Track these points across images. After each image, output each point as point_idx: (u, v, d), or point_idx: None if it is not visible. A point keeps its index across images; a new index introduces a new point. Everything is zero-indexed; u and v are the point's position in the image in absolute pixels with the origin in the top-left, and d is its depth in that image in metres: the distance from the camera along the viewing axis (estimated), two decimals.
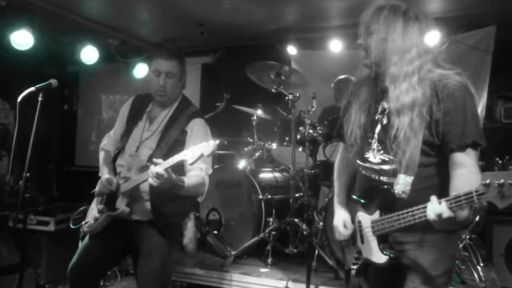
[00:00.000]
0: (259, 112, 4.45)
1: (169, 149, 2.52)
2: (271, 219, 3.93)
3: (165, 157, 2.37)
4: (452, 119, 1.68)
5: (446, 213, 1.49)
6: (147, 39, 6.25)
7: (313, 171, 4.13)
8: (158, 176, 2.24)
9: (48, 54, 5.63)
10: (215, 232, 4.10)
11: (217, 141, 2.22)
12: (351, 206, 2.03)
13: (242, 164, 4.38)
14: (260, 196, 3.96)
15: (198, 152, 2.15)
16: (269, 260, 3.72)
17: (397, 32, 1.77)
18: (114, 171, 2.68)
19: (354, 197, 2.00)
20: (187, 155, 2.20)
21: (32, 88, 2.61)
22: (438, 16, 4.89)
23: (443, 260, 1.81)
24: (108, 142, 2.84)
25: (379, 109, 1.88)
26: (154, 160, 2.30)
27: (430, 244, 1.78)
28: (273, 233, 3.79)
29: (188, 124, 2.63)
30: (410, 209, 1.65)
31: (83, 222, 2.64)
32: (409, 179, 1.71)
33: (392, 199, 1.75)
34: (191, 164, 2.20)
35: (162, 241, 2.56)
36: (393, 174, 1.79)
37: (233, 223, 4.12)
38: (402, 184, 1.71)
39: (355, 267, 1.97)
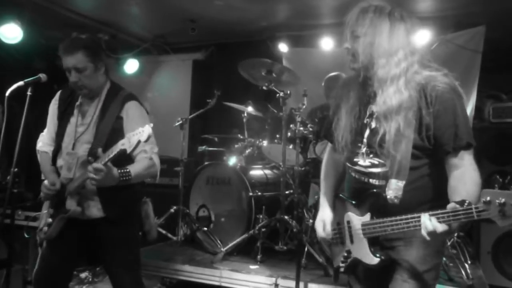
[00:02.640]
0: (250, 109, 4.44)
1: (107, 139, 2.44)
2: (261, 216, 3.93)
3: (105, 148, 2.34)
4: (443, 122, 1.68)
5: (439, 228, 1.49)
6: (138, 35, 6.22)
7: (303, 169, 4.14)
8: (96, 171, 2.19)
9: (37, 48, 5.58)
10: (205, 228, 4.10)
11: (151, 124, 2.17)
12: (339, 205, 2.03)
13: (232, 161, 4.37)
14: (250, 193, 3.95)
15: (134, 140, 2.13)
16: (259, 257, 3.71)
17: (384, 35, 1.73)
18: (56, 173, 2.58)
19: (343, 196, 2.00)
20: (124, 144, 2.16)
21: (20, 83, 2.57)
22: (428, 16, 4.93)
23: (432, 256, 1.82)
24: (43, 143, 2.72)
25: (368, 113, 1.87)
26: (98, 151, 2.26)
27: (418, 240, 1.78)
28: (263, 230, 3.79)
29: (122, 110, 2.53)
30: (404, 217, 1.64)
31: (37, 230, 2.56)
32: (401, 183, 1.71)
33: (384, 203, 1.75)
34: (130, 152, 2.18)
35: (124, 234, 2.55)
36: (383, 177, 1.79)
37: (223, 219, 4.12)
38: (394, 189, 1.71)
39: (343, 265, 1.98)
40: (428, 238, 1.52)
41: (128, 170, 2.35)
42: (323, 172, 2.19)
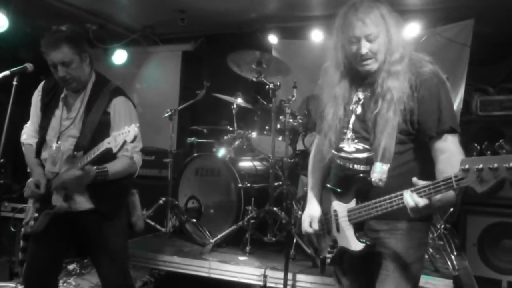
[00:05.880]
0: (239, 100, 4.43)
1: (93, 134, 2.44)
2: (250, 208, 3.93)
3: (91, 143, 2.36)
4: (427, 107, 1.72)
5: (420, 203, 1.51)
6: (127, 25, 6.15)
7: (292, 160, 4.14)
8: (75, 178, 2.27)
9: (24, 37, 5.48)
10: (194, 220, 4.09)
11: (138, 124, 2.20)
12: (325, 195, 2.05)
13: (221, 152, 4.36)
14: (240, 185, 3.95)
15: (120, 139, 2.15)
16: (248, 248, 3.72)
17: (394, 29, 1.77)
18: (41, 165, 2.57)
19: (329, 186, 2.02)
20: (110, 143, 2.18)
21: (6, 72, 2.53)
22: (417, 9, 4.95)
23: (416, 248, 1.85)
24: (27, 135, 2.70)
25: (353, 100, 1.90)
26: (76, 156, 2.31)
27: (402, 232, 1.82)
28: (252, 221, 3.79)
29: (109, 105, 2.51)
30: (387, 196, 1.66)
31: (23, 222, 2.56)
32: (386, 167, 1.74)
33: (369, 187, 1.77)
34: (116, 152, 2.20)
35: (111, 226, 2.55)
36: (368, 162, 1.81)
37: (212, 211, 4.11)
38: (379, 172, 1.74)
39: (330, 255, 1.99)
40: (411, 214, 1.55)
41: (105, 169, 2.37)
42: (310, 166, 2.21)
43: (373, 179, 1.75)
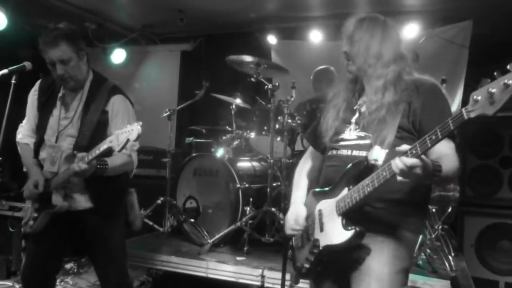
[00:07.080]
0: (238, 101, 4.43)
1: (92, 133, 2.43)
2: (248, 208, 3.93)
3: (90, 142, 2.35)
4: (431, 109, 1.79)
5: (408, 162, 1.48)
6: (125, 24, 6.15)
7: (291, 161, 4.14)
8: (83, 172, 2.24)
9: (23, 36, 5.47)
10: (192, 220, 4.09)
11: (140, 123, 2.16)
12: (311, 201, 2.03)
13: (220, 152, 4.36)
14: (238, 185, 3.95)
15: (123, 138, 2.12)
16: (246, 248, 3.72)
17: (378, 40, 1.91)
18: (39, 165, 2.55)
19: (316, 190, 2.02)
20: (112, 142, 2.16)
21: (5, 70, 2.52)
22: (416, 10, 4.96)
23: (401, 258, 1.82)
24: (23, 134, 2.67)
25: (359, 102, 1.98)
26: (78, 155, 2.28)
27: (389, 241, 1.81)
28: (250, 222, 3.79)
29: (107, 104, 2.50)
30: (378, 170, 1.65)
31: (22, 222, 2.54)
32: (383, 151, 1.75)
33: (364, 169, 1.76)
34: (119, 151, 2.18)
35: (110, 225, 2.55)
36: (367, 148, 1.83)
37: (210, 211, 4.11)
38: (376, 153, 1.74)
39: (307, 265, 1.95)
40: (400, 177, 1.52)
41: (106, 162, 2.35)
42: (297, 173, 2.26)
43: (369, 158, 1.75)
